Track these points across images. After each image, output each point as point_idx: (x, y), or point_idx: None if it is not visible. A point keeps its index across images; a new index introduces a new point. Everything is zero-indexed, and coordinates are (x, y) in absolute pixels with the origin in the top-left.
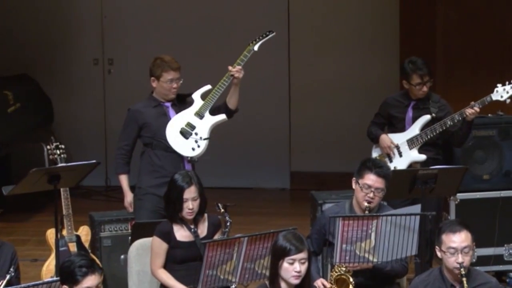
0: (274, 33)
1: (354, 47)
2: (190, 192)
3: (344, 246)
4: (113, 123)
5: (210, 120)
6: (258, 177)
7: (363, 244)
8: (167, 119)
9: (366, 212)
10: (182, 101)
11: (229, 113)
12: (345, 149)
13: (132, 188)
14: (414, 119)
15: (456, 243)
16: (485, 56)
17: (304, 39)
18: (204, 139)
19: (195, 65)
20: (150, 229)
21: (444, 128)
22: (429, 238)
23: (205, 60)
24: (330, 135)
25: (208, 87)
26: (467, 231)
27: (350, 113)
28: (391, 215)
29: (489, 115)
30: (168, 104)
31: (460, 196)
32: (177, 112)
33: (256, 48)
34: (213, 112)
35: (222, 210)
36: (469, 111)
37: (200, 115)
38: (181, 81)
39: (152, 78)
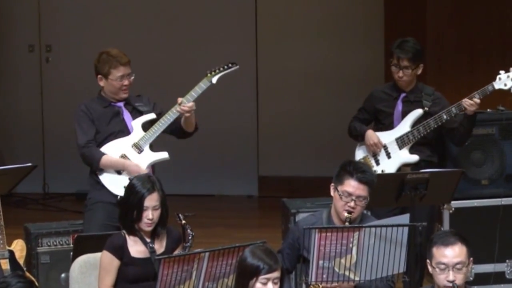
0: (237, 67)
1: (331, 31)
2: (152, 200)
3: (321, 262)
4: (52, 119)
5: (150, 157)
6: (221, 182)
7: (343, 260)
8: (121, 121)
9: (347, 223)
10: (135, 101)
11: (186, 135)
12: (322, 150)
13: (83, 197)
14: (404, 114)
15: (448, 258)
16: (483, 40)
17: (273, 23)
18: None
19: (146, 55)
20: (96, 243)
21: (439, 123)
22: (420, 253)
23: (158, 49)
24: (304, 135)
25: (151, 116)
26: (462, 244)
27: (328, 109)
28: (376, 226)
29: (489, 110)
30: (121, 104)
31: (455, 204)
32: (131, 113)
33: (214, 81)
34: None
35: (183, 222)
36: (467, 102)
37: (138, 147)
38: (132, 77)
39: (99, 76)
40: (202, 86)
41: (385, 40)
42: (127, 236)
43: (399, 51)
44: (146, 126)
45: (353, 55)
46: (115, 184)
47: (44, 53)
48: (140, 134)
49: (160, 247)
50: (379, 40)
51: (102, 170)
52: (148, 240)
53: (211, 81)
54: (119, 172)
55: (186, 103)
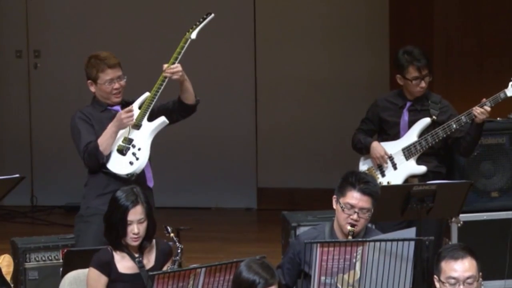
0: (212, 15)
1: (334, 36)
2: (136, 213)
3: (323, 278)
4: (40, 129)
5: (148, 127)
6: (218, 194)
7: (346, 276)
8: None
9: (349, 237)
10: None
11: (187, 109)
12: (324, 161)
13: (72, 210)
14: (411, 124)
15: (458, 272)
16: (493, 45)
17: (273, 28)
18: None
19: (140, 61)
20: (87, 257)
21: (448, 133)
22: (426, 268)
23: (153, 56)
24: (305, 144)
25: (146, 94)
26: (472, 258)
27: (330, 117)
28: (380, 240)
29: (498, 119)
30: (117, 107)
31: (464, 217)
32: None
33: (193, 36)
34: (159, 114)
35: (172, 234)
36: (478, 110)
37: (137, 125)
38: (124, 79)
39: (89, 81)
40: (182, 45)
41: (390, 46)
42: (114, 252)
43: (416, 61)
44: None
45: (356, 61)
46: (121, 164)
47: (32, 59)
48: (136, 113)
49: (149, 261)
50: (383, 46)
51: (108, 158)
52: (136, 255)
53: (190, 38)
54: (122, 153)
55: (171, 67)
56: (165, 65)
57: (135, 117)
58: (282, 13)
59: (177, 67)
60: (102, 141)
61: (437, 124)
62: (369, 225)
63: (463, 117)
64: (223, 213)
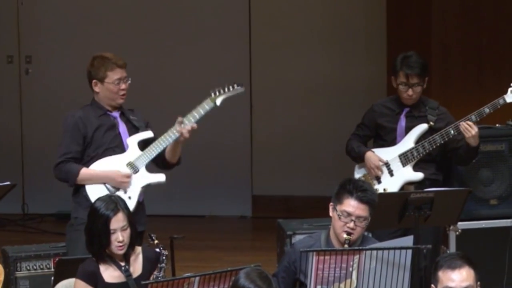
0: (243, 89)
1: (331, 42)
2: (118, 221)
3: (318, 287)
4: (31, 135)
5: (146, 179)
6: (212, 202)
7: (342, 285)
8: (116, 135)
9: (346, 245)
10: (129, 114)
11: (168, 166)
12: (320, 168)
13: (64, 218)
14: (408, 130)
15: (455, 282)
16: (491, 51)
17: (268, 32)
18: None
19: (134, 68)
20: (79, 266)
21: (446, 139)
22: (424, 277)
23: (147, 62)
24: (301, 151)
25: (149, 134)
26: (470, 267)
27: (326, 123)
28: (377, 249)
29: (497, 125)
30: (116, 114)
31: (462, 225)
32: (125, 123)
33: (218, 103)
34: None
35: (156, 241)
36: (463, 126)
37: (134, 167)
38: (129, 81)
39: (94, 81)
40: (205, 107)
41: (388, 51)
42: (99, 262)
43: (406, 68)
44: (141, 145)
45: (354, 67)
46: None
47: (23, 65)
48: (136, 153)
49: (135, 269)
50: (381, 52)
51: (92, 188)
52: (122, 263)
53: (215, 103)
54: (111, 191)
55: (187, 123)
56: (180, 118)
57: (134, 155)
58: (278, 18)
59: (194, 127)
60: (85, 178)
61: (433, 131)
62: (366, 233)
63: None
64: (217, 221)
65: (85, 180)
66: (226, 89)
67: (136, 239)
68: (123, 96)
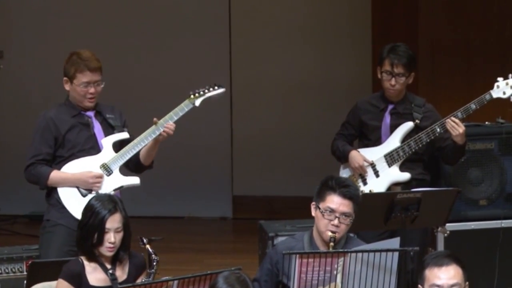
0: (223, 89)
1: (313, 36)
2: (114, 221)
3: None
4: (3, 133)
5: (119, 181)
6: (191, 203)
7: None
8: (91, 136)
9: (331, 244)
10: (106, 111)
11: (141, 168)
12: (304, 167)
13: (37, 220)
14: (393, 128)
15: (442, 280)
16: (479, 45)
17: (249, 27)
18: None
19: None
20: (53, 269)
21: (432, 137)
22: (411, 280)
23: (124, 59)
24: (283, 150)
25: (124, 135)
26: (457, 265)
27: (310, 122)
28: (363, 251)
29: (487, 123)
30: (91, 113)
31: (450, 226)
32: (101, 123)
33: (197, 103)
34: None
35: (147, 246)
36: (449, 123)
37: (107, 169)
38: (102, 85)
39: (65, 78)
40: (184, 108)
41: (373, 46)
42: (85, 263)
43: (393, 56)
44: (116, 146)
45: (337, 63)
46: (79, 208)
47: None
48: (110, 155)
49: (122, 274)
50: (366, 46)
51: (64, 190)
52: (108, 266)
53: (194, 104)
54: (82, 194)
55: (163, 124)
56: (156, 120)
57: (108, 156)
58: (259, 13)
59: (173, 125)
60: (56, 181)
61: (420, 129)
62: (350, 234)
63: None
64: (196, 222)
65: (56, 183)
66: (206, 90)
67: (128, 243)
68: (91, 100)
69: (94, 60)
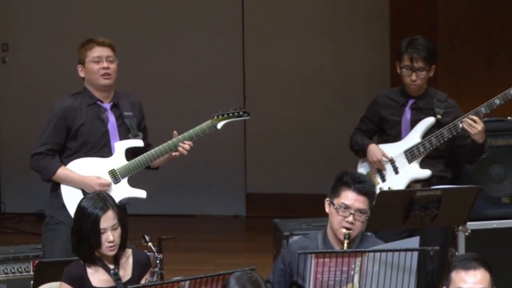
0: (248, 117)
1: (330, 29)
2: (108, 219)
3: None
4: (8, 129)
5: (126, 192)
6: (203, 201)
7: None
8: (104, 129)
9: (346, 242)
10: (123, 102)
11: (146, 167)
12: (319, 164)
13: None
14: (414, 123)
15: (469, 284)
16: (502, 39)
17: (262, 20)
18: None
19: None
20: (60, 269)
21: (454, 133)
22: (431, 281)
23: (134, 52)
24: (298, 147)
25: (138, 142)
26: (485, 270)
27: (326, 117)
28: (381, 251)
29: (509, 118)
30: (107, 105)
31: (471, 225)
32: (117, 118)
33: (219, 126)
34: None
35: (150, 244)
36: (467, 121)
37: (115, 177)
38: (116, 62)
39: (79, 66)
40: (206, 130)
41: (391, 39)
42: (86, 264)
43: (412, 50)
44: (129, 151)
45: (354, 56)
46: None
47: (0, 53)
48: (121, 162)
49: (125, 273)
50: (384, 39)
51: (68, 190)
52: (111, 266)
53: (215, 126)
54: (85, 192)
55: (181, 141)
56: (176, 133)
57: (119, 163)
58: (273, 3)
59: (190, 144)
60: (62, 178)
61: (441, 125)
62: (369, 233)
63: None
64: (208, 221)
65: (61, 180)
66: (230, 114)
67: (126, 239)
68: (106, 76)
69: (103, 38)
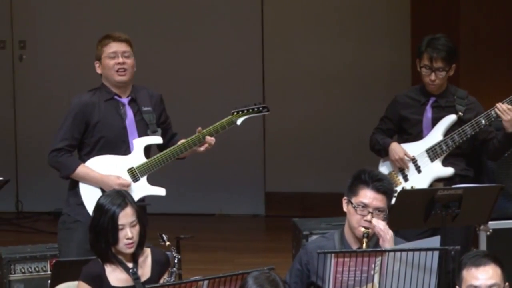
0: (268, 112)
1: (350, 27)
2: (126, 216)
3: None
4: (26, 127)
5: (145, 190)
6: (222, 200)
7: None
8: (122, 120)
9: (365, 240)
10: (142, 96)
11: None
12: (339, 163)
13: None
14: (435, 121)
15: (480, 280)
16: None
17: (282, 17)
18: None
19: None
20: (77, 268)
21: (477, 130)
22: (452, 281)
23: (152, 49)
24: (318, 145)
25: (157, 139)
26: (496, 265)
27: (346, 115)
28: (401, 250)
29: None
30: (125, 100)
31: (493, 225)
32: (135, 114)
33: (239, 122)
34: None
35: (168, 243)
36: (500, 107)
37: (135, 175)
38: (132, 58)
39: (96, 63)
40: (224, 125)
41: (412, 37)
42: (105, 263)
43: (432, 50)
44: (147, 149)
45: (375, 54)
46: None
47: (17, 50)
48: (140, 159)
49: (144, 272)
50: (405, 38)
51: (87, 188)
52: (130, 265)
53: (235, 122)
54: (104, 191)
55: (202, 137)
56: (201, 129)
57: (138, 160)
58: (293, 2)
59: (213, 140)
60: (81, 176)
61: (463, 122)
62: None
63: (492, 112)
64: (227, 220)
65: (81, 178)
66: (250, 110)
67: (145, 237)
68: (122, 72)
69: (120, 33)
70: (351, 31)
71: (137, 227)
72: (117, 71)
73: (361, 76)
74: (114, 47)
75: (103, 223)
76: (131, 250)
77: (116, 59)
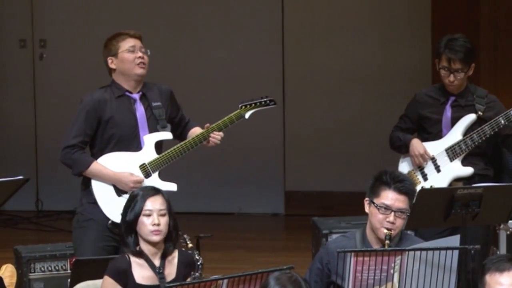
0: (275, 105)
1: (370, 26)
2: (156, 202)
3: None
4: (46, 126)
5: (157, 184)
6: (241, 198)
7: None
8: (133, 116)
9: (387, 241)
10: (152, 92)
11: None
12: (359, 162)
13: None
14: (454, 121)
15: (504, 286)
16: None
17: (302, 17)
18: None
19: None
20: (97, 267)
21: (496, 129)
22: (472, 280)
23: (171, 48)
24: (338, 144)
25: (167, 135)
26: None
27: (366, 114)
28: (421, 249)
29: None
30: (136, 95)
31: None
32: (145, 109)
33: (247, 116)
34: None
35: (190, 245)
36: None
37: (146, 171)
38: (148, 53)
39: (109, 59)
40: (233, 119)
41: (433, 35)
42: (132, 259)
43: (449, 51)
44: (158, 145)
45: (396, 53)
46: (112, 206)
47: (37, 49)
48: (152, 155)
49: (170, 273)
50: (426, 36)
51: (100, 186)
52: (156, 263)
53: (243, 116)
54: (119, 193)
55: (210, 132)
56: (209, 125)
57: (149, 156)
58: (313, 1)
59: (221, 135)
60: (94, 174)
61: (482, 121)
62: (409, 232)
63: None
64: (247, 218)
65: (94, 175)
66: (258, 103)
67: (176, 237)
68: (142, 65)
69: (133, 31)
70: (371, 30)
71: (165, 218)
72: (138, 64)
73: (381, 75)
74: (132, 42)
75: (133, 208)
76: (156, 238)
77: (136, 53)
